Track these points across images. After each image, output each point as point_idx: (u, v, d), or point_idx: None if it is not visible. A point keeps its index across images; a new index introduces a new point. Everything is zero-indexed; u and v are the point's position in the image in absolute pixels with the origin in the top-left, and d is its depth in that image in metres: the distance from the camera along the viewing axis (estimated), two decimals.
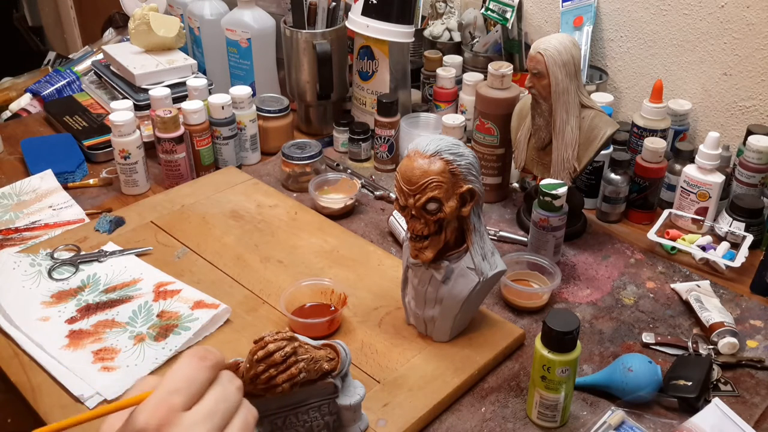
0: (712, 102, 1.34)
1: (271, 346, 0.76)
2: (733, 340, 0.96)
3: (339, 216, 1.26)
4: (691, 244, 1.16)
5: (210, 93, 1.40)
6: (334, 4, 1.46)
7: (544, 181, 1.10)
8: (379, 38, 1.40)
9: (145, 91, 1.43)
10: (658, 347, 0.99)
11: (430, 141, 0.86)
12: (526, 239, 1.19)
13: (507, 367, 0.96)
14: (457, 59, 1.51)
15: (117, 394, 0.88)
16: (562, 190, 1.08)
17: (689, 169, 1.20)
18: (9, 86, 1.85)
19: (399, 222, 1.20)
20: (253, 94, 1.47)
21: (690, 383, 0.89)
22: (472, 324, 0.99)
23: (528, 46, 1.29)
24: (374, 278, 1.09)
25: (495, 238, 1.22)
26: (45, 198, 1.30)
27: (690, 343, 0.99)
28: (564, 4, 1.42)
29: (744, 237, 1.15)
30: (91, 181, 1.36)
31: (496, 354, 0.95)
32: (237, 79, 1.56)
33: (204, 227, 1.20)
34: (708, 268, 1.15)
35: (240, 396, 0.56)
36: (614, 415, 0.87)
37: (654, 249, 1.19)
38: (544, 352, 0.82)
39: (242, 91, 1.38)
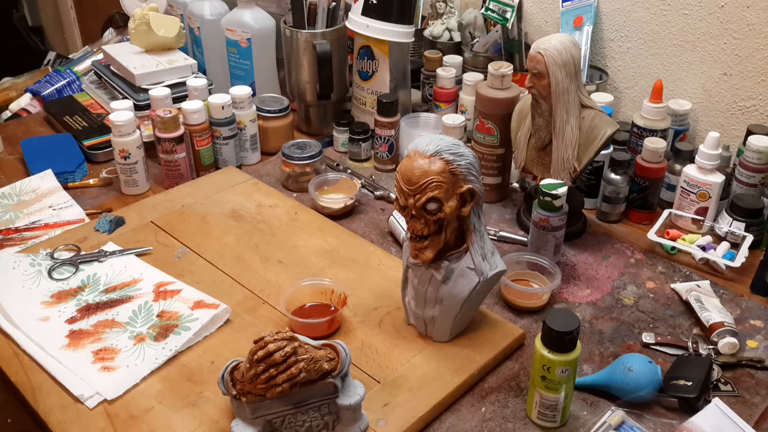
0: (712, 102, 1.34)
1: (271, 346, 0.76)
2: (733, 340, 0.96)
3: (339, 216, 1.26)
4: (691, 244, 1.16)
5: (210, 93, 1.40)
6: (334, 4, 1.46)
7: (544, 181, 1.10)
8: (379, 38, 1.40)
9: (145, 91, 1.43)
10: (658, 347, 0.99)
11: (430, 141, 0.86)
12: (526, 239, 1.19)
13: (507, 367, 0.96)
14: (457, 59, 1.51)
15: (117, 394, 0.88)
16: (562, 190, 1.08)
17: (689, 169, 1.20)
18: (9, 86, 1.85)
19: (399, 222, 1.20)
20: (253, 94, 1.47)
21: (690, 383, 0.89)
22: (472, 324, 0.99)
23: (528, 46, 1.29)
24: (374, 278, 1.09)
25: (495, 238, 1.22)
26: (45, 198, 1.30)
27: (690, 343, 0.99)
28: (564, 4, 1.42)
29: (744, 237, 1.15)
30: (91, 181, 1.36)
31: (496, 354, 0.95)
32: (237, 79, 1.56)
33: (204, 227, 1.20)
34: (708, 268, 1.15)
35: None
36: (614, 415, 0.87)
37: (654, 249, 1.19)
38: (544, 352, 0.82)
39: (242, 91, 1.38)
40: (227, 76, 1.58)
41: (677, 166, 1.24)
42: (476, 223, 0.90)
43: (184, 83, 1.44)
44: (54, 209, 1.27)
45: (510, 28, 1.43)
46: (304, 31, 1.44)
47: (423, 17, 1.69)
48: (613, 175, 1.22)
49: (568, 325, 0.80)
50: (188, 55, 1.57)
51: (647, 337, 1.01)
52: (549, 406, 0.85)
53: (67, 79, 1.73)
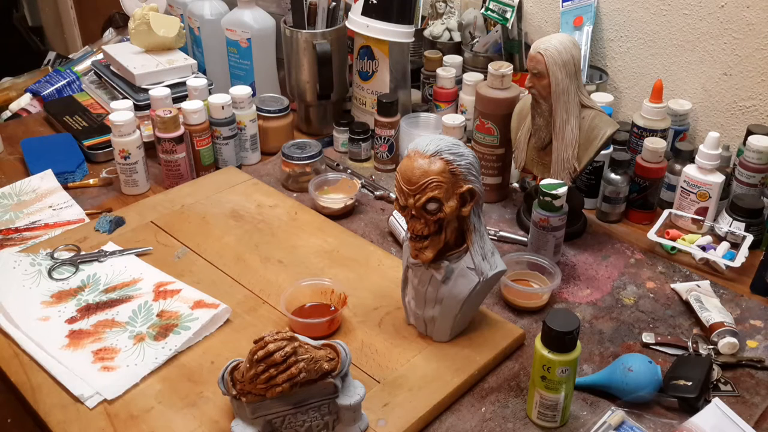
0: (712, 102, 1.34)
1: (271, 346, 0.76)
2: (733, 340, 0.96)
3: (339, 216, 1.26)
4: (691, 244, 1.16)
5: (210, 93, 1.40)
6: (334, 4, 1.46)
7: (544, 181, 1.10)
8: (379, 38, 1.40)
9: (145, 91, 1.43)
10: (658, 347, 0.99)
11: (430, 141, 0.86)
12: (526, 239, 1.19)
13: (507, 367, 0.96)
14: (457, 59, 1.51)
15: (117, 393, 0.88)
16: (562, 190, 1.08)
17: (689, 169, 1.20)
18: (9, 86, 1.85)
19: (399, 222, 1.20)
20: (253, 94, 1.47)
21: (690, 383, 0.89)
22: (472, 324, 0.99)
23: (528, 46, 1.29)
24: (374, 278, 1.09)
25: (495, 238, 1.22)
26: (45, 198, 1.30)
27: (690, 343, 0.99)
28: (564, 4, 1.42)
29: (744, 237, 1.15)
30: (91, 181, 1.36)
31: (496, 354, 0.95)
32: (237, 79, 1.56)
33: (204, 227, 1.20)
34: (708, 268, 1.15)
35: None
36: (614, 415, 0.87)
37: (654, 249, 1.19)
38: (544, 352, 0.82)
39: (242, 91, 1.38)
40: (227, 76, 1.58)
41: (677, 166, 1.24)
42: (476, 223, 0.90)
43: (184, 83, 1.44)
44: (54, 209, 1.27)
45: (510, 28, 1.43)
46: (304, 31, 1.44)
47: (423, 17, 1.69)
48: (613, 175, 1.22)
49: (568, 325, 0.80)
50: (188, 55, 1.57)
51: (647, 337, 1.01)
52: (549, 406, 0.85)
53: (67, 79, 1.73)
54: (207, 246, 1.15)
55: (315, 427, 0.81)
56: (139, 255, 1.13)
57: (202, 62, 1.63)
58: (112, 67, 1.57)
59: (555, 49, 1.05)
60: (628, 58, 1.43)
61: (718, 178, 1.18)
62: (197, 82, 1.38)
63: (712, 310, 1.01)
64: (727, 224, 1.17)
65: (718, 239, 1.18)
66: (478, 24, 1.57)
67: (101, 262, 1.11)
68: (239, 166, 1.41)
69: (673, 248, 1.17)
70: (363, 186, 1.35)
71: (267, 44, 1.54)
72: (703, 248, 1.16)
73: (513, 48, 1.47)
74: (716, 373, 0.94)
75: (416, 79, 1.58)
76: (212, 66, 1.62)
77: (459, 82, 1.48)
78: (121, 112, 1.30)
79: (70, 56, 2.00)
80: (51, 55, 2.13)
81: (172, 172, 1.33)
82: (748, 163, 1.19)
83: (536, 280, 1.09)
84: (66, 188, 1.33)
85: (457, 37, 1.61)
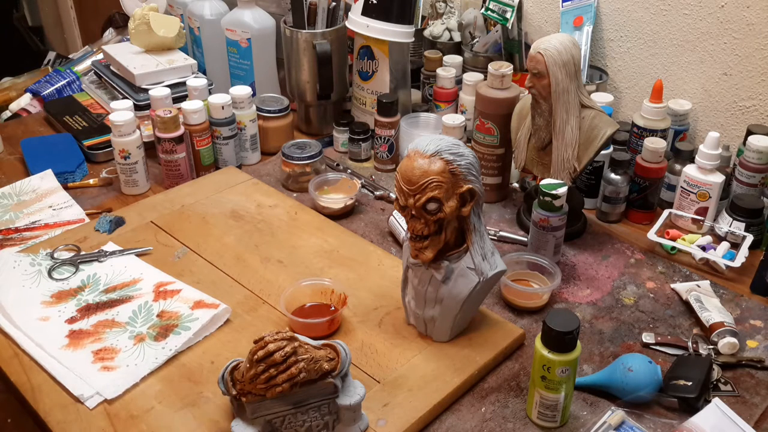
0: (712, 102, 1.34)
1: (271, 346, 0.76)
2: (733, 340, 0.96)
3: (339, 216, 1.26)
4: (691, 244, 1.16)
5: (210, 93, 1.40)
6: (334, 4, 1.46)
7: (544, 181, 1.10)
8: (379, 38, 1.40)
9: (145, 91, 1.43)
10: (658, 347, 0.99)
11: (430, 141, 0.86)
12: (526, 239, 1.19)
13: (507, 367, 0.96)
14: (457, 59, 1.51)
15: (117, 393, 0.88)
16: (562, 190, 1.08)
17: (689, 169, 1.20)
18: (9, 86, 1.85)
19: (399, 222, 1.20)
20: (253, 94, 1.47)
21: (690, 383, 0.89)
22: (472, 324, 0.99)
23: (528, 46, 1.29)
24: (374, 278, 1.09)
25: (495, 238, 1.22)
26: (45, 198, 1.30)
27: (690, 343, 0.99)
28: (564, 4, 1.42)
29: (744, 237, 1.15)
30: (91, 181, 1.36)
31: (496, 354, 0.95)
32: (237, 79, 1.56)
33: (204, 227, 1.20)
34: (708, 268, 1.15)
35: None
36: (614, 415, 0.87)
37: (654, 249, 1.19)
38: (544, 352, 0.82)
39: (242, 91, 1.38)
40: (227, 76, 1.58)
41: (677, 166, 1.24)
42: (476, 223, 0.90)
43: (184, 83, 1.44)
44: (54, 209, 1.27)
45: (510, 28, 1.43)
46: (304, 31, 1.44)
47: (423, 17, 1.69)
48: (613, 175, 1.22)
49: (568, 325, 0.80)
50: (188, 55, 1.57)
51: (647, 337, 1.01)
52: (549, 406, 0.85)
53: (67, 79, 1.73)
54: (207, 246, 1.15)
55: (315, 427, 0.81)
56: (139, 255, 1.13)
57: (202, 62, 1.63)
58: (112, 67, 1.57)
59: (555, 49, 1.05)
60: (628, 58, 1.43)
61: (718, 178, 1.18)
62: (197, 82, 1.38)
63: (712, 310, 1.01)
64: (727, 224, 1.17)
65: (718, 239, 1.18)
66: (478, 24, 1.57)
67: (101, 262, 1.11)
68: (239, 166, 1.41)
69: (673, 248, 1.17)
70: (363, 186, 1.35)
71: (267, 44, 1.54)
72: (703, 248, 1.16)
73: (513, 48, 1.47)
74: (716, 373, 0.94)
75: (416, 79, 1.58)
76: (212, 66, 1.62)
77: (459, 82, 1.48)
78: (121, 112, 1.30)
79: (70, 56, 2.00)
80: (51, 55, 2.13)
81: (172, 172, 1.33)
82: (748, 163, 1.19)
83: (536, 280, 1.09)
84: (66, 188, 1.33)
85: (457, 37, 1.61)
